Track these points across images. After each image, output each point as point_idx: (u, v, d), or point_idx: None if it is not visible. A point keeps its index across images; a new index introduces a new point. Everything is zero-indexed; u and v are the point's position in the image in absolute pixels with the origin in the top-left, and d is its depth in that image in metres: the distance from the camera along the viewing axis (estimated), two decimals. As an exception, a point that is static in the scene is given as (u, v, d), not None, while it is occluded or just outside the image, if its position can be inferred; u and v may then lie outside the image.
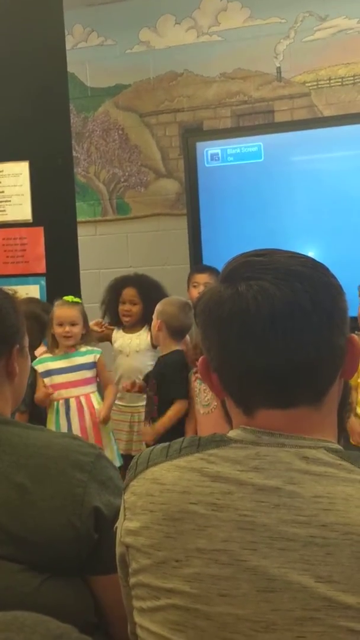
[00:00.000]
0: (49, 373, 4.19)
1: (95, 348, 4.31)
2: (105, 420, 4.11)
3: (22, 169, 4.80)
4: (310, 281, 1.08)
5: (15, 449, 1.40)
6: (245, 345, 1.07)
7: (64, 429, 4.09)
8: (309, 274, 1.09)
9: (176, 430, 3.88)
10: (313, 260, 1.13)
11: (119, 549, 1.16)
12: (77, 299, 4.28)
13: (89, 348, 4.26)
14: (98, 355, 4.22)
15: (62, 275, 4.81)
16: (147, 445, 3.84)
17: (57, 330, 4.15)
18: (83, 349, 4.23)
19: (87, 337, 4.27)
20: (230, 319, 1.07)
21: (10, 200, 4.85)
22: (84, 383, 4.18)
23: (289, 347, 1.05)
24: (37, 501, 1.35)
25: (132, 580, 1.11)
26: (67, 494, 1.37)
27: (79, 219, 5.20)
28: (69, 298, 4.24)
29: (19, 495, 1.35)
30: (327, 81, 5.67)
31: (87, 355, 4.22)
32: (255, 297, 1.05)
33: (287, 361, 1.06)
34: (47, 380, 4.18)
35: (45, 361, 4.23)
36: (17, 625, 0.71)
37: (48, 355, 4.24)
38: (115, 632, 1.39)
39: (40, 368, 4.20)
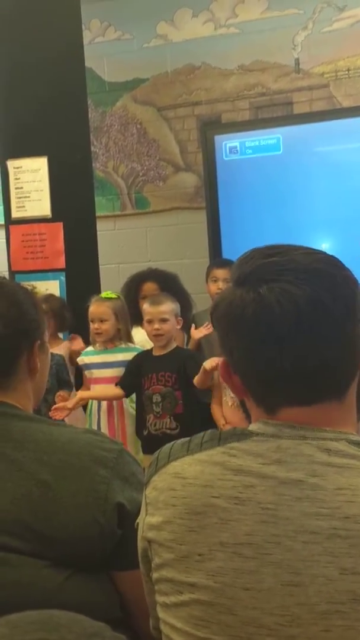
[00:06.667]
0: (87, 367, 4.22)
1: (136, 346, 4.31)
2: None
3: (40, 164, 4.81)
4: (329, 277, 1.08)
5: (38, 446, 1.40)
6: (271, 348, 1.06)
7: (93, 424, 4.12)
8: (327, 270, 1.09)
9: (195, 413, 3.96)
10: (327, 255, 1.13)
11: (141, 544, 1.16)
12: (112, 295, 4.27)
13: (131, 345, 4.25)
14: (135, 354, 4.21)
15: (82, 271, 4.82)
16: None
17: (90, 327, 4.17)
18: (124, 345, 4.23)
19: (122, 333, 4.26)
20: (255, 323, 1.07)
21: (29, 196, 4.86)
22: None
23: (315, 345, 1.06)
24: (60, 498, 1.35)
25: (155, 575, 1.11)
26: (90, 491, 1.37)
27: (97, 213, 5.21)
28: (105, 294, 4.25)
29: (43, 492, 1.35)
30: (346, 72, 5.64)
31: (127, 352, 4.21)
32: (278, 299, 1.05)
33: (313, 359, 1.06)
34: (86, 374, 4.23)
35: (85, 354, 4.27)
36: (52, 625, 0.71)
37: (91, 348, 4.28)
38: (140, 627, 1.40)
39: (80, 361, 4.24)
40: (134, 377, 4.05)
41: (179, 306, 4.14)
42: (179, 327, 4.12)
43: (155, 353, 4.06)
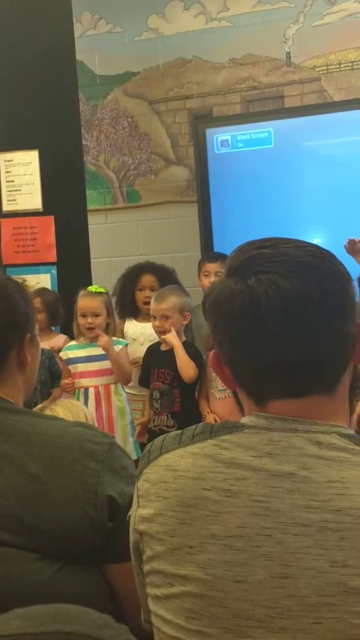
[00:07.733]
0: (71, 361, 4.21)
1: (120, 339, 4.32)
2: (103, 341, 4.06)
3: (32, 158, 4.80)
4: (319, 271, 1.07)
5: (29, 439, 1.40)
6: (258, 340, 1.06)
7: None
8: (317, 263, 1.08)
9: (193, 412, 3.94)
10: (320, 249, 1.12)
11: (132, 537, 1.16)
12: (101, 289, 4.26)
13: (114, 338, 4.26)
14: (121, 347, 4.22)
15: (73, 264, 4.82)
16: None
17: (81, 321, 4.16)
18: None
19: (111, 327, 4.27)
20: (242, 314, 1.07)
21: (20, 190, 4.85)
22: (105, 373, 4.19)
23: (303, 339, 1.05)
24: (50, 491, 1.35)
25: (146, 567, 1.11)
26: (81, 484, 1.37)
27: (89, 207, 5.20)
28: (93, 288, 4.24)
29: (33, 485, 1.35)
30: (337, 65, 5.64)
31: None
32: (266, 291, 1.05)
33: (301, 353, 1.06)
34: (70, 368, 4.22)
35: (69, 349, 4.26)
36: (63, 617, 0.72)
37: (74, 343, 4.27)
38: (130, 620, 1.39)
39: (63, 355, 4.23)
40: (147, 372, 4.07)
41: (187, 299, 4.11)
42: (185, 322, 4.09)
43: (162, 348, 4.07)
